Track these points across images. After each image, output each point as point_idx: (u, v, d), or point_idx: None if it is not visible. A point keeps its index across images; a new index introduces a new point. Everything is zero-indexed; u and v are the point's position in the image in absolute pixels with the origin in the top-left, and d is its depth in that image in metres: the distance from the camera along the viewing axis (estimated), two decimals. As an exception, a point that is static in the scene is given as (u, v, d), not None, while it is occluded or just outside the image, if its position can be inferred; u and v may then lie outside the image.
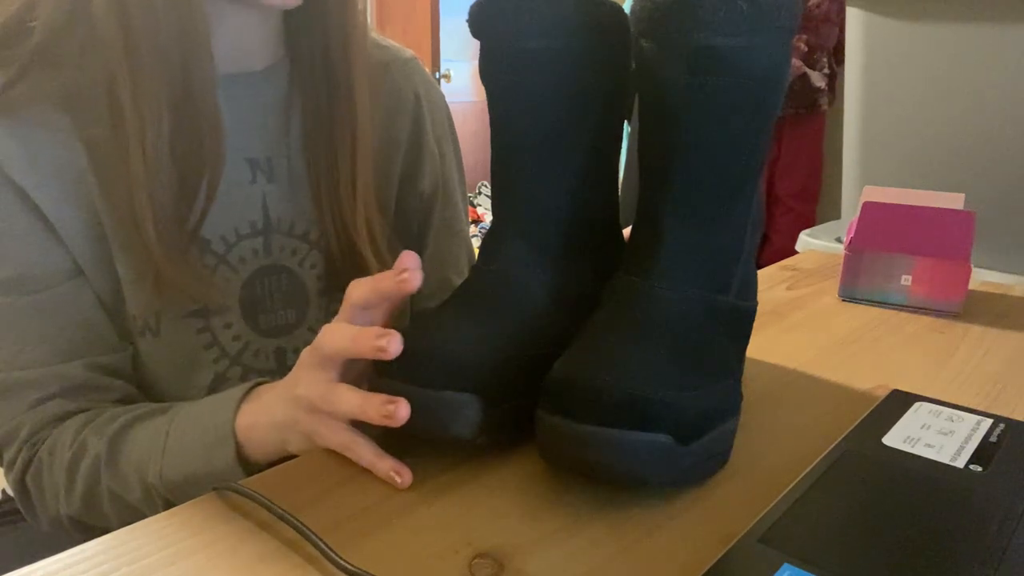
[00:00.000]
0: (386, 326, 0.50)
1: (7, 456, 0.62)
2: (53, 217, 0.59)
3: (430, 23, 4.06)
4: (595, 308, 0.51)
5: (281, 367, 0.70)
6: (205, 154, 0.61)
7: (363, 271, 0.71)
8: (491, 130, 0.54)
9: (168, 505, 0.56)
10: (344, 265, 0.70)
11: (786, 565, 0.35)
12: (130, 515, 0.58)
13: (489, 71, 0.53)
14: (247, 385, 0.55)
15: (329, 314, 0.72)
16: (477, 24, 0.52)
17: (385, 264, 0.72)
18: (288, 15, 0.68)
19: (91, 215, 0.61)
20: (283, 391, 0.52)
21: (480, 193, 4.39)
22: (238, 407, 0.53)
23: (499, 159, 0.54)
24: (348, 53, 0.67)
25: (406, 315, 0.80)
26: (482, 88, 0.54)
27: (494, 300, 0.51)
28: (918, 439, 0.49)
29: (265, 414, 0.52)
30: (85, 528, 0.62)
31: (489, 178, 0.55)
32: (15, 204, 0.58)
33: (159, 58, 0.57)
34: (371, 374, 0.48)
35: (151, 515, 0.44)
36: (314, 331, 0.71)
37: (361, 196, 0.69)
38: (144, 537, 0.41)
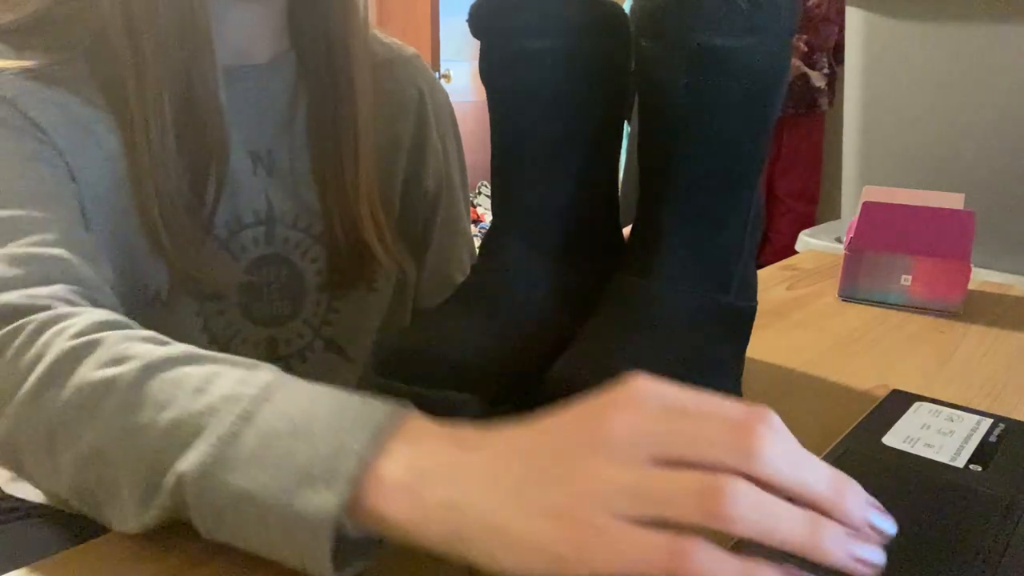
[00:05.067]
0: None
1: None
2: (81, 179, 0.57)
3: (430, 23, 4.06)
4: (595, 308, 0.51)
5: (272, 357, 0.70)
6: (210, 145, 0.61)
7: (369, 267, 0.71)
8: (491, 130, 0.54)
9: (145, 514, 0.37)
10: (349, 261, 0.70)
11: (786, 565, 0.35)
12: (66, 482, 0.39)
13: (489, 71, 0.53)
14: (392, 407, 0.36)
15: (330, 310, 0.72)
16: (477, 24, 0.52)
17: (394, 259, 0.72)
18: (291, 9, 0.68)
19: (118, 191, 0.59)
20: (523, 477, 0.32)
21: (480, 193, 4.38)
22: (380, 441, 0.34)
23: (499, 159, 0.54)
24: (349, 47, 0.67)
25: (407, 315, 0.80)
26: (482, 88, 0.54)
27: (494, 300, 0.51)
28: (918, 439, 0.49)
29: (443, 484, 0.33)
30: None
31: (489, 178, 0.55)
32: (49, 153, 0.56)
33: (160, 49, 0.57)
34: (369, 374, 0.48)
35: (94, 504, 0.37)
36: (310, 325, 0.71)
37: (364, 188, 0.69)
38: (143, 535, 0.40)
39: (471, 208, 4.48)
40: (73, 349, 0.40)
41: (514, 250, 0.53)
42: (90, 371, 0.39)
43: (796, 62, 2.85)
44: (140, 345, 0.40)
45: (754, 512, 0.28)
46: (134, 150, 0.58)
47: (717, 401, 0.32)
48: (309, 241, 0.70)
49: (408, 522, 0.32)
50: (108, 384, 0.38)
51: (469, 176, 0.87)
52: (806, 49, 2.86)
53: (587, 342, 0.47)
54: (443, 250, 0.82)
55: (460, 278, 0.81)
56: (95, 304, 0.48)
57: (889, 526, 0.31)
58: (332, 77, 0.68)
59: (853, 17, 1.16)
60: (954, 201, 0.83)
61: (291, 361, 0.71)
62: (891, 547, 0.32)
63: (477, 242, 0.73)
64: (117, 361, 0.39)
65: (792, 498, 0.30)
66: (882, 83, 1.15)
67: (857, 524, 0.30)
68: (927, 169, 1.13)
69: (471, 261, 0.84)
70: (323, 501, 0.32)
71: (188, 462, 0.35)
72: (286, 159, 0.68)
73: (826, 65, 2.92)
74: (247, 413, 0.35)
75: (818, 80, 2.90)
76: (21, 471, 0.42)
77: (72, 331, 0.41)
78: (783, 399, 0.59)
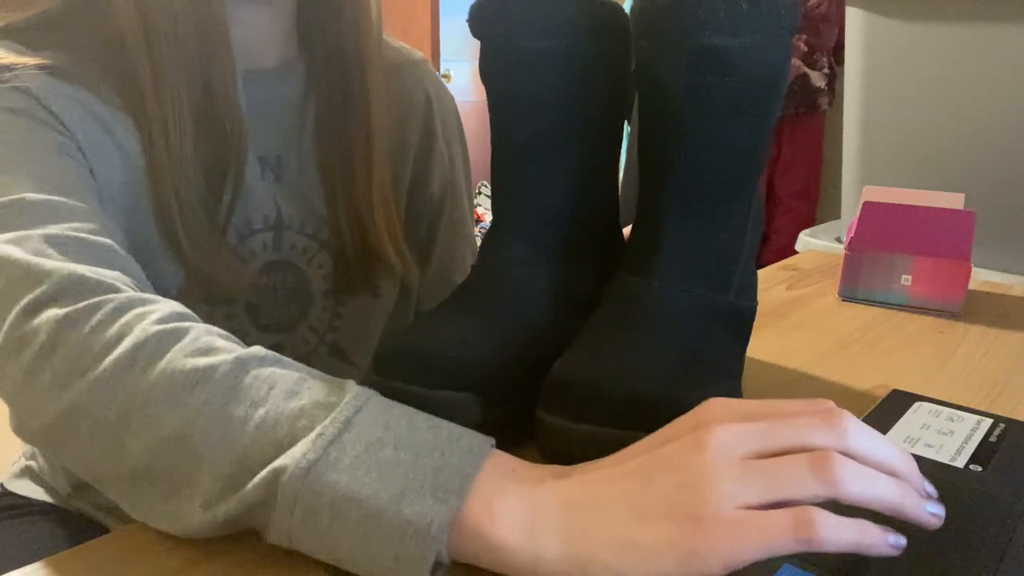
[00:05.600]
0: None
1: (38, 291, 0.42)
2: (99, 176, 0.56)
3: (430, 23, 4.06)
4: (595, 308, 0.51)
5: None
6: (228, 145, 0.60)
7: (375, 273, 0.71)
8: (491, 130, 0.54)
9: (211, 519, 0.37)
10: (357, 266, 0.70)
11: (786, 565, 0.35)
12: (130, 466, 0.38)
13: (489, 71, 0.53)
14: (482, 436, 0.38)
15: (335, 316, 0.72)
16: (477, 24, 0.52)
17: (406, 262, 0.71)
18: (301, 12, 0.68)
19: (133, 190, 0.58)
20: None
21: (480, 193, 4.38)
22: (482, 466, 0.36)
23: (499, 159, 0.54)
24: (362, 51, 0.67)
25: (411, 319, 0.80)
26: (482, 88, 0.54)
27: (494, 300, 0.51)
28: (918, 439, 0.49)
29: (557, 515, 0.34)
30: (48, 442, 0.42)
31: (489, 178, 0.55)
32: (72, 147, 0.55)
33: (178, 49, 0.56)
34: (369, 374, 0.48)
35: (147, 497, 0.37)
36: (316, 331, 0.71)
37: (378, 194, 0.69)
38: (144, 535, 0.40)
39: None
40: (161, 334, 0.39)
41: (514, 250, 0.53)
42: (179, 358, 0.38)
43: (796, 62, 2.85)
44: (224, 341, 0.41)
45: (859, 477, 0.32)
46: (152, 150, 0.58)
47: (788, 402, 0.36)
48: (316, 247, 0.69)
49: (524, 553, 0.33)
50: (201, 373, 0.38)
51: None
52: (806, 49, 2.86)
53: (587, 342, 0.47)
54: (447, 254, 0.81)
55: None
56: None
57: (933, 491, 0.35)
58: (344, 82, 0.67)
59: (853, 17, 1.16)
60: (954, 201, 0.83)
61: None
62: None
63: (477, 242, 0.72)
64: (206, 352, 0.39)
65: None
66: (882, 83, 1.15)
67: (918, 487, 0.34)
68: (927, 169, 1.13)
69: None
70: (433, 510, 0.33)
71: (292, 458, 0.35)
72: (295, 165, 0.68)
73: (826, 65, 2.92)
74: (346, 419, 0.36)
75: (818, 80, 2.90)
76: (63, 450, 0.41)
77: (156, 316, 0.41)
78: (783, 399, 0.59)
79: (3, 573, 0.37)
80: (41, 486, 0.73)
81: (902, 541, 0.32)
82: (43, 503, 0.73)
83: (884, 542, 0.32)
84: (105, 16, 0.57)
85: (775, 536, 0.31)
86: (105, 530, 0.70)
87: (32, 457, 0.75)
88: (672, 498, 0.32)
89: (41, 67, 0.56)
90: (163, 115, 0.57)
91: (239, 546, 0.39)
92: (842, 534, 0.31)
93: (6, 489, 0.75)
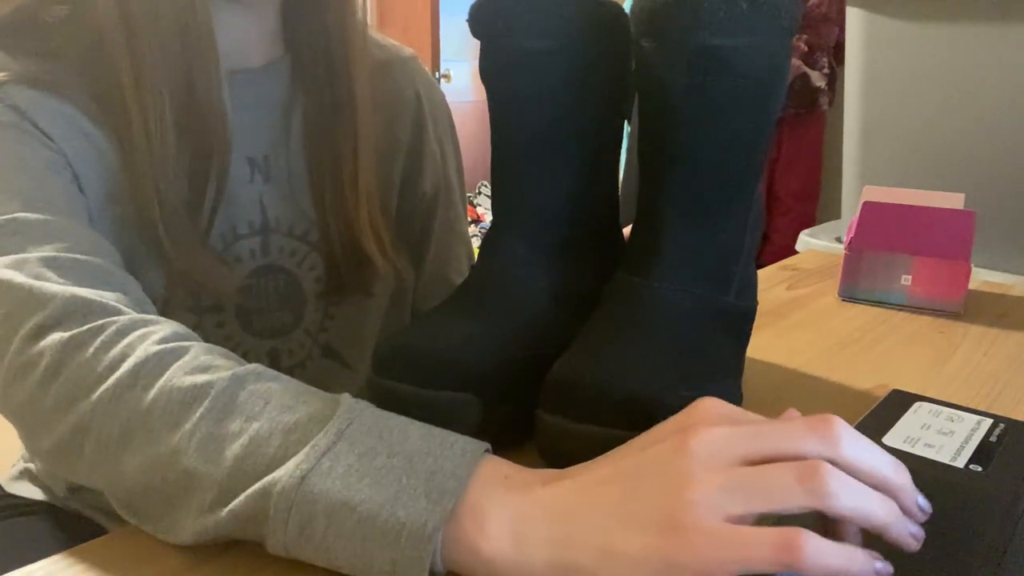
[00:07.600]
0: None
1: (42, 315, 0.43)
2: (85, 189, 0.56)
3: (430, 23, 4.06)
4: (595, 308, 0.51)
5: (274, 369, 0.70)
6: (212, 147, 0.60)
7: (367, 274, 0.71)
8: (491, 130, 0.54)
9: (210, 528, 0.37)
10: (347, 267, 0.70)
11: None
12: (125, 484, 0.39)
13: (489, 71, 0.53)
14: (474, 443, 0.37)
15: (327, 317, 0.72)
16: (477, 24, 0.52)
17: (392, 266, 0.71)
18: (286, 12, 0.67)
19: (116, 201, 0.58)
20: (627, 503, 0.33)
21: (480, 193, 4.39)
22: (474, 471, 0.35)
23: (499, 159, 0.54)
24: (348, 49, 0.66)
25: (406, 319, 0.80)
26: (482, 88, 0.54)
27: (494, 300, 0.51)
28: (918, 439, 0.49)
29: (544, 522, 0.34)
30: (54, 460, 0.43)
31: (489, 178, 0.55)
32: (61, 163, 0.55)
33: (161, 50, 0.56)
34: (369, 374, 0.48)
35: (149, 513, 0.38)
36: (310, 334, 0.71)
37: (363, 195, 0.68)
38: (144, 535, 0.40)
39: (471, 208, 4.48)
40: (162, 353, 0.40)
41: (514, 250, 0.53)
42: (178, 376, 0.39)
43: (796, 62, 2.85)
44: (223, 359, 0.41)
45: (848, 490, 0.31)
46: (133, 154, 0.57)
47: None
48: (306, 248, 0.69)
49: (512, 563, 0.33)
50: (198, 390, 0.38)
51: (469, 176, 0.87)
52: (806, 49, 2.87)
53: (587, 342, 0.47)
54: (442, 253, 0.81)
55: (458, 280, 0.81)
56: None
57: (928, 505, 0.34)
58: (330, 81, 0.67)
59: (853, 17, 1.16)
60: (954, 201, 0.83)
61: (292, 372, 0.70)
62: (892, 547, 0.33)
63: (477, 242, 0.72)
64: (205, 369, 0.40)
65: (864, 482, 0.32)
66: (882, 83, 1.15)
67: (911, 504, 0.33)
68: (927, 169, 1.13)
69: (469, 263, 0.84)
70: (427, 511, 0.33)
71: (285, 470, 0.35)
72: (283, 165, 0.67)
73: (826, 65, 2.92)
74: (339, 431, 0.36)
75: (818, 80, 2.90)
76: (72, 469, 0.42)
77: (156, 337, 0.42)
78: (783, 399, 0.59)
79: (3, 573, 0.37)
80: (39, 487, 0.73)
81: (889, 569, 0.31)
82: (41, 503, 0.73)
83: (872, 570, 0.31)
84: (83, 13, 0.56)
85: (756, 555, 0.30)
86: (102, 530, 0.70)
87: (30, 459, 0.75)
88: (655, 504, 0.32)
89: (24, 80, 0.55)
90: (144, 115, 0.56)
91: (239, 547, 0.39)
92: (828, 560, 0.30)
93: (5, 491, 0.75)
